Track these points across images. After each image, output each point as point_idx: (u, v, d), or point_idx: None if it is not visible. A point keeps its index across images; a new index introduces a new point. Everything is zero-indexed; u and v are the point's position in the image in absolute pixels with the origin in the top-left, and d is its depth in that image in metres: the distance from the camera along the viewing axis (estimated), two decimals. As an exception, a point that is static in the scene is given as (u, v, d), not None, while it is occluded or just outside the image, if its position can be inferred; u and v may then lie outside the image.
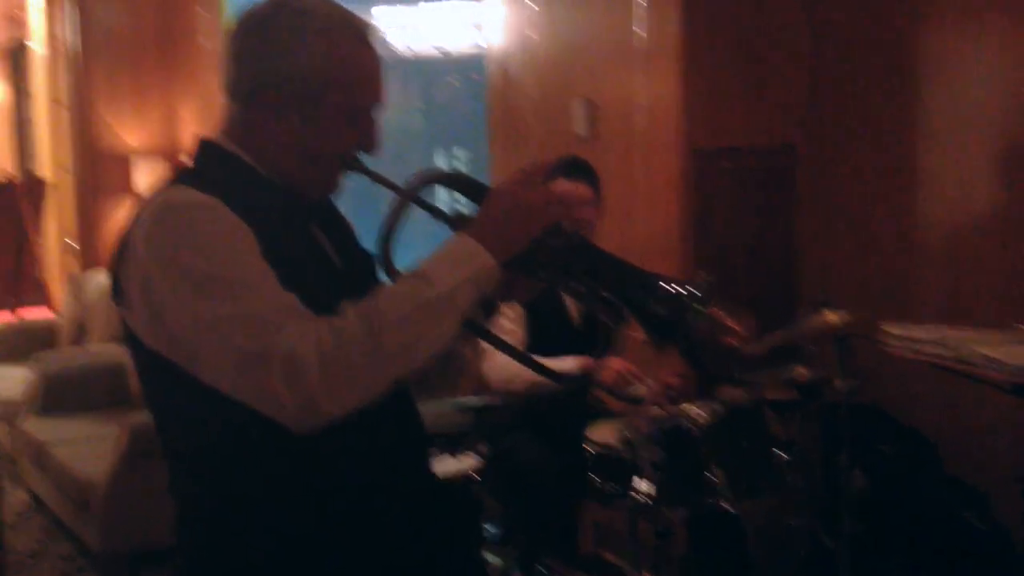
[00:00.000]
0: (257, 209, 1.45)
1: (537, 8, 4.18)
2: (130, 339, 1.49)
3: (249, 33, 1.52)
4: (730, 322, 1.43)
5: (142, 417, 3.89)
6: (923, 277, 3.34)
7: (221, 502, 1.50)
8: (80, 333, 5.70)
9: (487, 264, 1.43)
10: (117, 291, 1.48)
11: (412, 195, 1.58)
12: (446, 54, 5.83)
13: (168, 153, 6.92)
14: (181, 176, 1.53)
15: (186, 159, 1.58)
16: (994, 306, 3.07)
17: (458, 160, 6.43)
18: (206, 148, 1.58)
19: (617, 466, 2.60)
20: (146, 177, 6.74)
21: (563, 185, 3.21)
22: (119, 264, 1.47)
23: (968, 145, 3.20)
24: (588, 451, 2.69)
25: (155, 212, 1.42)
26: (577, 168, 3.24)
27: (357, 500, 1.50)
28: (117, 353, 5.10)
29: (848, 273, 3.58)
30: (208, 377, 1.37)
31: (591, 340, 3.25)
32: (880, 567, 2.91)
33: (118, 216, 6.92)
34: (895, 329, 2.25)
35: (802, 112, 3.68)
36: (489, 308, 1.59)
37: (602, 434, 2.74)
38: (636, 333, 3.01)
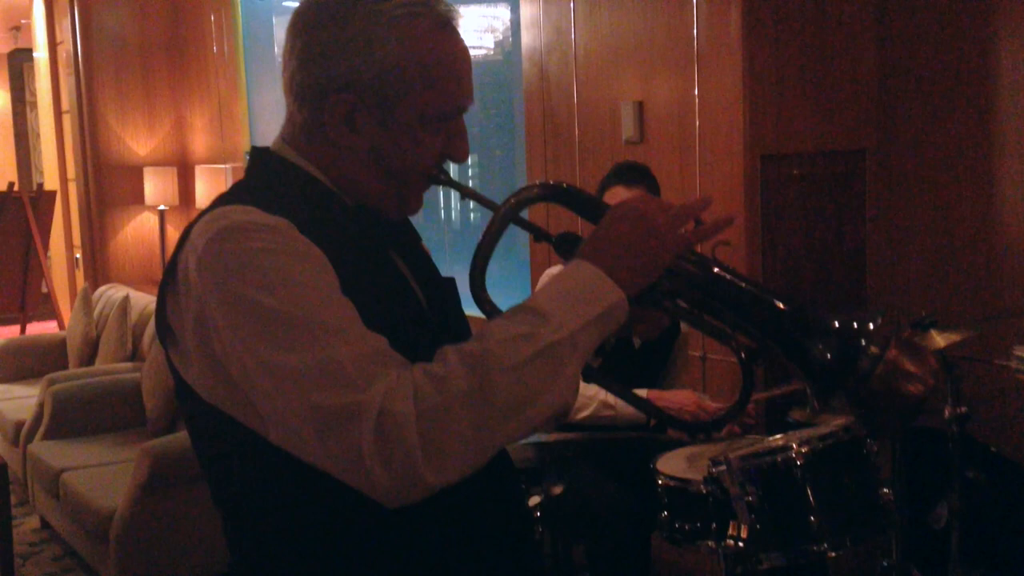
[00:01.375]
0: (331, 233, 1.20)
1: (575, 7, 3.93)
2: (179, 385, 1.23)
3: (317, 24, 1.26)
4: (911, 366, 1.16)
5: (162, 443, 3.68)
6: (1009, 291, 3.08)
7: (284, 562, 1.24)
8: (90, 351, 5.46)
9: (616, 299, 1.17)
10: (163, 328, 1.23)
11: (513, 214, 1.33)
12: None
13: (179, 163, 6.70)
14: (237, 192, 1.28)
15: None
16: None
17: (469, 167, 6.22)
18: (264, 159, 1.33)
19: (695, 503, 2.34)
20: (156, 188, 6.51)
21: (621, 192, 2.97)
22: (165, 297, 1.22)
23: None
24: (660, 485, 2.44)
25: (213, 235, 1.15)
26: (636, 173, 3.00)
27: (431, 525, 1.25)
28: (130, 373, 4.87)
29: (922, 284, 3.33)
30: (279, 438, 1.11)
31: (651, 365, 3.01)
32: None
33: (128, 228, 6.70)
34: (1026, 353, 1.99)
35: (872, 116, 3.43)
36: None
37: (675, 466, 2.49)
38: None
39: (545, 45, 4.12)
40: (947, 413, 2.30)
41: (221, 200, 1.27)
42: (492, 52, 4.87)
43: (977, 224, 3.18)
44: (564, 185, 1.35)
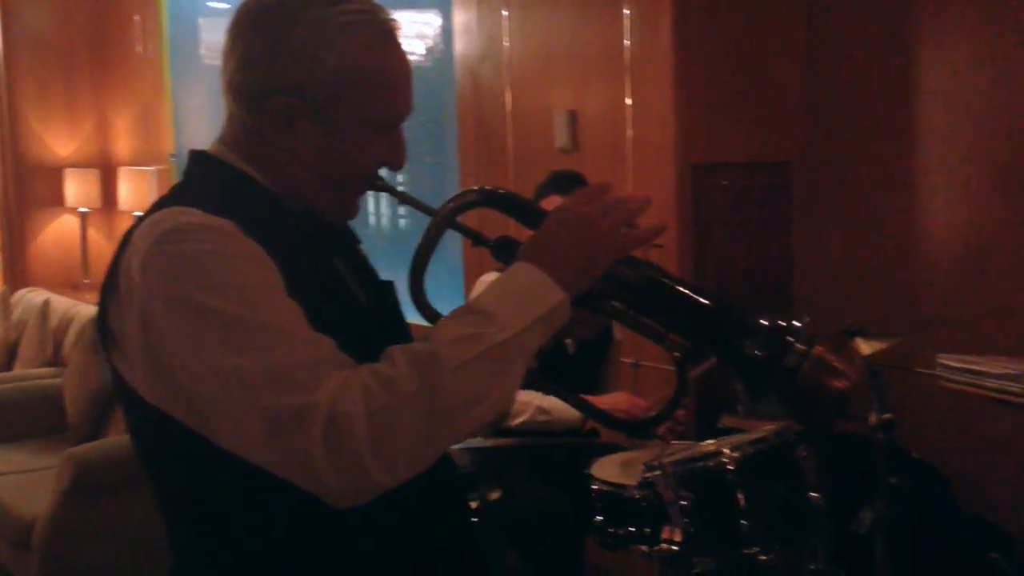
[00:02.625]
0: (273, 236, 1.19)
1: (509, 15, 3.95)
2: (120, 389, 1.21)
3: (261, 25, 1.25)
4: (837, 361, 1.21)
5: (85, 449, 3.60)
6: (928, 299, 3.18)
7: (216, 532, 1.24)
8: (8, 356, 5.31)
9: (559, 300, 1.18)
10: (104, 332, 1.21)
11: (451, 220, 1.34)
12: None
13: (102, 165, 6.56)
14: (179, 195, 1.26)
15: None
16: (1005, 329, 2.92)
17: (401, 174, 6.20)
18: (203, 162, 1.31)
19: (629, 508, 2.37)
20: (78, 190, 6.37)
21: (555, 203, 2.99)
22: (106, 300, 1.20)
23: (969, 162, 3.06)
24: (594, 490, 2.46)
25: (157, 237, 1.14)
26: (572, 183, 3.03)
27: (379, 533, 1.25)
28: (50, 379, 4.75)
29: (847, 295, 3.42)
30: (227, 442, 1.10)
31: (585, 372, 3.04)
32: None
33: (48, 231, 6.54)
34: (950, 360, 2.05)
35: (798, 129, 3.51)
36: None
37: (609, 471, 2.51)
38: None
39: (478, 53, 4.14)
40: (873, 419, 2.36)
41: (162, 203, 1.25)
42: (423, 59, 4.87)
43: (900, 235, 3.27)
44: (501, 191, 1.37)
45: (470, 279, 4.09)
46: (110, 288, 1.20)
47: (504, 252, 1.34)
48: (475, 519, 2.33)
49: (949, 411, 2.98)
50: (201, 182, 1.29)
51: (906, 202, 3.26)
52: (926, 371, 2.11)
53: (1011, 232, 2.95)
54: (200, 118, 5.95)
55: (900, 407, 2.94)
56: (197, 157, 1.33)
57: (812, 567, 2.63)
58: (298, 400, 1.04)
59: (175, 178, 5.91)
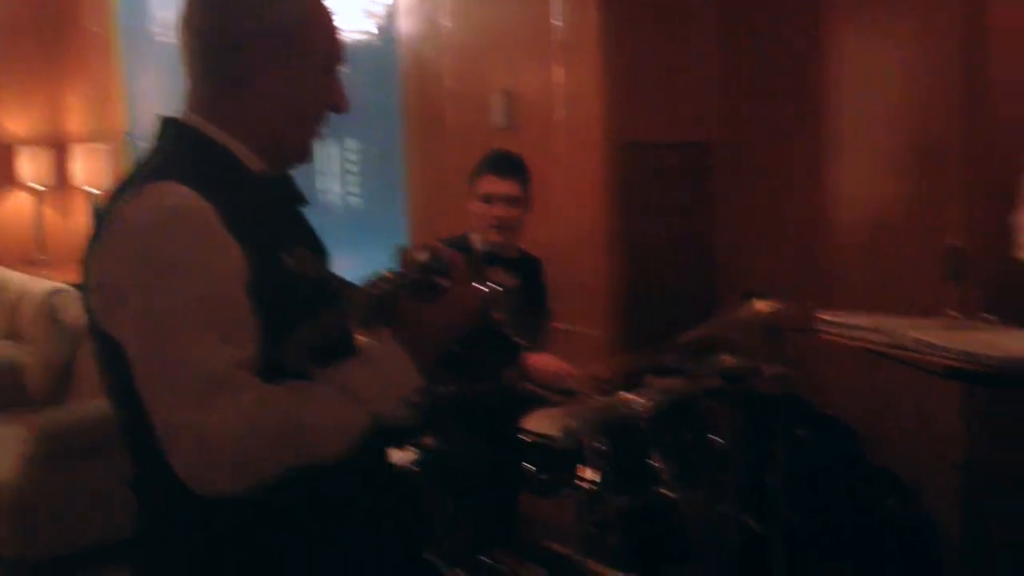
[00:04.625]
0: (244, 203, 1.40)
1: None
2: (92, 324, 1.43)
3: None
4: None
5: (50, 416, 3.77)
6: (837, 269, 3.46)
7: (184, 496, 1.42)
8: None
9: (417, 383, 1.43)
10: (91, 290, 1.42)
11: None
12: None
13: (54, 142, 6.65)
14: (163, 168, 1.43)
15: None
16: (904, 295, 3.20)
17: (350, 152, 6.35)
18: (177, 130, 1.51)
19: (557, 456, 2.61)
20: (30, 167, 6.46)
21: (491, 183, 3.20)
22: (93, 247, 1.41)
23: (875, 141, 3.32)
24: (525, 441, 2.70)
25: (147, 213, 1.35)
26: (506, 163, 3.24)
27: (322, 487, 1.45)
28: (11, 351, 4.88)
29: (763, 266, 3.68)
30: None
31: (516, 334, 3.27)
32: (808, 554, 3.00)
33: (1, 209, 6.62)
34: (828, 316, 2.32)
35: (717, 110, 3.76)
36: None
37: (539, 424, 2.76)
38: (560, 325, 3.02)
39: (419, 32, 4.33)
40: (769, 373, 2.62)
41: (150, 174, 1.41)
42: (373, 36, 5.05)
43: (806, 203, 3.53)
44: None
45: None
46: (99, 237, 1.40)
47: (378, 313, 1.48)
48: (415, 468, 2.58)
49: (855, 369, 3.26)
50: (178, 153, 1.46)
51: (818, 178, 3.52)
52: (800, 330, 2.37)
53: (911, 205, 3.22)
54: (153, 95, 6.06)
55: (812, 367, 3.23)
56: (170, 125, 1.51)
57: (721, 509, 2.91)
58: (185, 416, 1.28)
59: (129, 155, 6.05)
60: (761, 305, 2.60)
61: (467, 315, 1.49)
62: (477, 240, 3.25)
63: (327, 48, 1.52)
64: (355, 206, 6.16)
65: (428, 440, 2.69)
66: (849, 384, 3.32)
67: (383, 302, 1.47)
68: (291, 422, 1.32)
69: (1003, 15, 2.96)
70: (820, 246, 3.51)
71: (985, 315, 2.34)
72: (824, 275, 3.48)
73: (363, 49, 5.19)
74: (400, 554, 1.62)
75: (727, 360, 2.90)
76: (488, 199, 3.19)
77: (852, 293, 3.34)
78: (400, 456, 2.61)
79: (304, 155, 1.56)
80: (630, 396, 2.59)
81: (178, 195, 1.36)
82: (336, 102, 1.54)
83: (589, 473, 2.46)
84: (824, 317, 2.32)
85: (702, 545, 3.08)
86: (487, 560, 2.47)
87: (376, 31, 4.93)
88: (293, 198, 1.58)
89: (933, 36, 3.09)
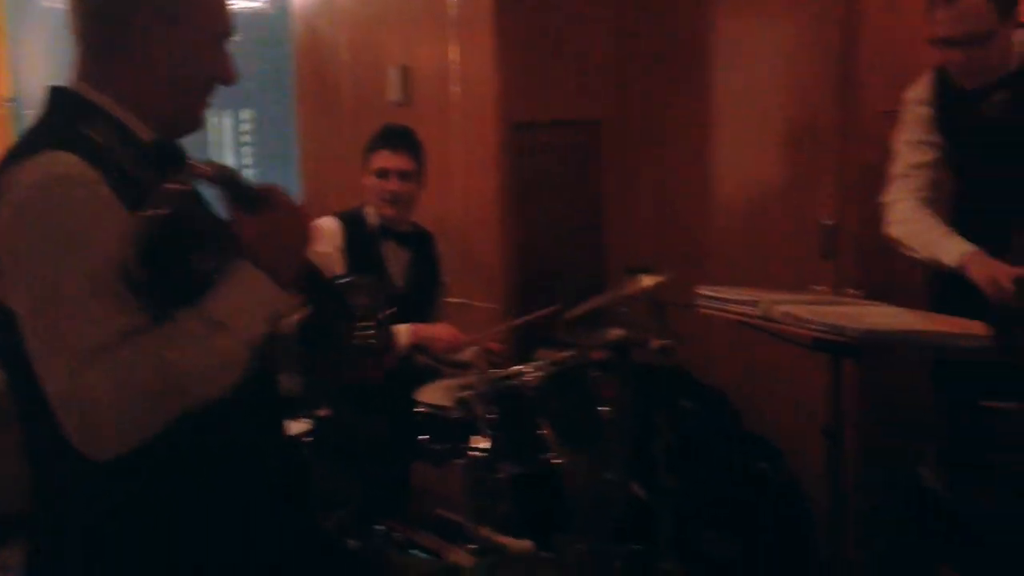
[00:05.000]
0: (131, 171, 1.43)
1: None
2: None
3: None
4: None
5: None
6: (719, 246, 3.60)
7: (78, 465, 1.41)
8: None
9: (281, 298, 1.45)
10: None
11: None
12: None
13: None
14: (49, 134, 1.45)
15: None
16: (782, 271, 3.35)
17: (245, 122, 6.28)
18: (65, 99, 1.52)
19: (451, 426, 2.69)
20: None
21: (385, 157, 3.24)
22: None
23: (756, 123, 3.46)
24: (419, 412, 2.76)
25: (36, 181, 1.36)
26: (399, 138, 3.28)
27: (216, 458, 1.51)
28: None
29: (651, 243, 3.80)
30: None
31: (415, 304, 3.33)
32: (688, 518, 3.14)
33: None
34: (706, 291, 2.44)
35: (609, 89, 3.86)
36: None
37: (432, 395, 2.82)
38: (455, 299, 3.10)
39: (315, 4, 4.32)
40: (654, 345, 2.74)
41: (38, 143, 1.42)
42: (265, 6, 5.00)
43: (693, 182, 3.66)
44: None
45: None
46: None
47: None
48: (307, 439, 2.62)
49: (733, 342, 3.40)
50: (71, 124, 1.46)
51: (703, 157, 3.64)
52: (681, 305, 2.49)
53: (788, 184, 3.37)
54: (38, 61, 5.90)
55: (692, 340, 3.37)
56: (62, 95, 1.52)
57: (609, 476, 3.03)
58: (69, 385, 1.31)
59: (14, 122, 5.87)
60: (646, 280, 2.71)
61: (297, 219, 1.49)
62: (371, 214, 3.29)
63: (214, 19, 1.55)
64: (249, 178, 6.11)
65: (321, 411, 2.73)
66: (728, 356, 3.47)
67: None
68: (165, 368, 1.32)
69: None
70: (704, 223, 3.64)
71: (851, 290, 2.49)
72: (708, 251, 3.62)
73: (257, 18, 5.14)
74: (295, 523, 1.66)
75: (614, 333, 3.01)
76: (382, 174, 3.23)
77: (734, 269, 3.48)
78: (294, 427, 2.64)
79: (194, 125, 1.59)
80: (520, 367, 2.67)
81: (66, 163, 1.38)
82: (223, 74, 1.58)
83: (480, 442, 2.53)
84: (701, 292, 2.43)
85: (589, 511, 3.20)
86: (379, 529, 2.53)
87: (267, 1, 4.89)
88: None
89: (813, 19, 3.22)
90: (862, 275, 3.09)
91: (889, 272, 2.99)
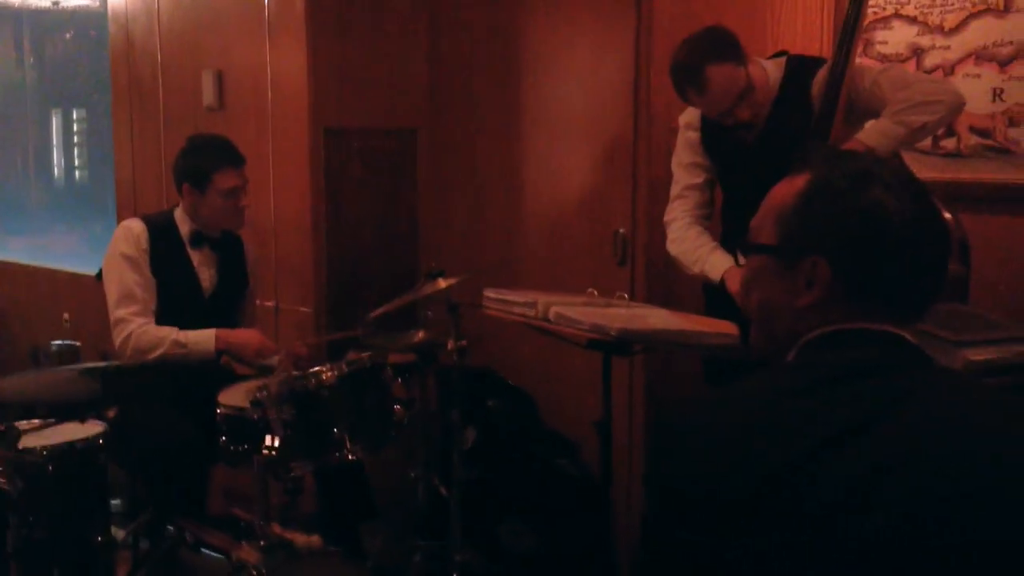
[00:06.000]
0: None
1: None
2: None
3: None
4: None
5: None
6: (527, 252, 3.74)
7: None
8: None
9: None
10: None
11: None
12: (58, 5, 5.50)
13: None
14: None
15: None
16: (582, 277, 3.51)
17: (77, 122, 6.13)
18: None
19: (247, 427, 2.72)
20: None
21: (231, 176, 3.20)
22: None
23: (563, 134, 3.61)
24: (218, 414, 2.79)
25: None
26: (236, 153, 3.24)
27: None
28: None
29: (465, 249, 3.92)
30: None
31: (223, 308, 3.35)
32: (489, 511, 3.27)
33: None
34: (492, 293, 2.55)
35: (424, 98, 3.96)
36: None
37: (233, 397, 2.85)
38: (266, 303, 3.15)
39: (130, 8, 4.27)
40: (450, 346, 2.85)
41: None
42: (95, 3, 4.89)
43: (503, 190, 3.79)
44: None
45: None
46: None
47: None
48: (100, 442, 2.61)
49: (535, 344, 3.54)
50: None
51: (513, 167, 3.78)
52: (471, 305, 2.60)
53: (590, 195, 3.52)
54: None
55: (498, 341, 3.50)
56: None
57: (412, 474, 3.12)
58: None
59: None
60: (443, 282, 2.82)
61: None
62: (182, 220, 3.28)
63: None
64: (79, 180, 5.94)
65: (113, 413, 2.72)
66: (532, 357, 3.61)
67: None
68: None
69: (667, 16, 3.27)
70: (515, 229, 3.78)
71: (620, 294, 2.65)
72: (518, 256, 3.76)
73: (88, 16, 5.01)
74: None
75: (418, 335, 3.11)
76: (231, 194, 3.20)
77: (540, 273, 3.63)
78: (86, 429, 2.63)
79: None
80: (318, 368, 2.73)
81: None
82: None
83: (272, 441, 2.58)
84: (487, 294, 2.55)
85: (392, 505, 3.29)
86: (171, 530, 2.55)
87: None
88: None
89: (612, 34, 3.38)
90: (651, 281, 3.28)
91: (673, 279, 3.18)
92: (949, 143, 3.05)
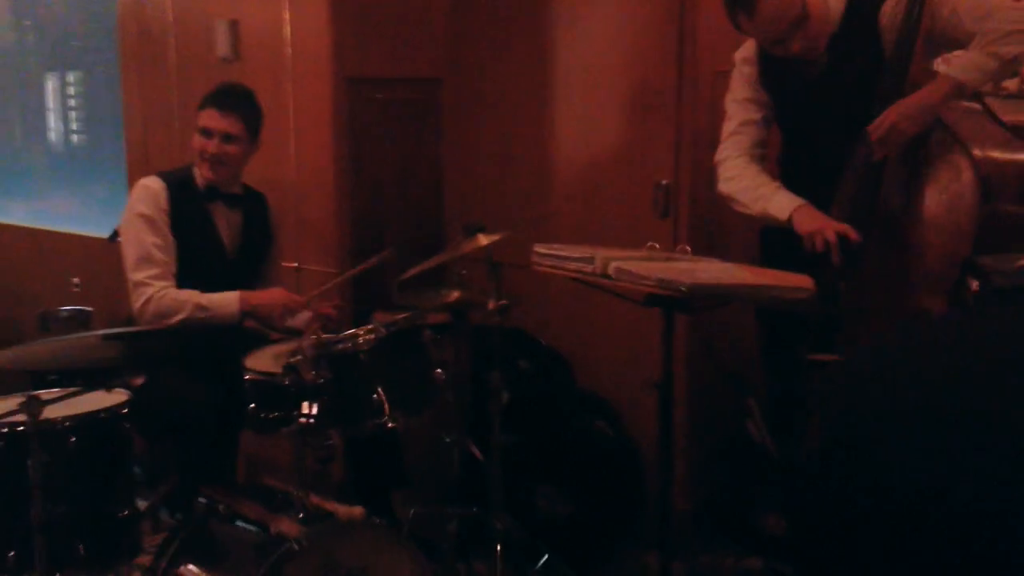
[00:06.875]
0: None
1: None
2: None
3: None
4: None
5: None
6: (559, 206, 3.58)
7: None
8: None
9: None
10: None
11: None
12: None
13: None
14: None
15: None
16: (620, 230, 3.36)
17: (72, 85, 5.96)
18: None
19: (278, 393, 2.57)
20: None
21: (211, 117, 3.07)
22: None
23: (594, 83, 3.44)
24: (247, 380, 2.64)
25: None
26: (230, 98, 3.11)
27: None
28: None
29: (490, 202, 3.76)
30: None
31: (244, 270, 3.19)
32: (523, 476, 3.13)
33: None
34: (543, 248, 2.39)
35: (446, 46, 3.78)
36: None
37: (261, 362, 2.70)
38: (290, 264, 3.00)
39: (138, -42, 4.09)
40: (491, 305, 2.69)
41: None
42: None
43: (533, 142, 3.62)
44: None
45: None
46: None
47: None
48: (124, 411, 2.46)
49: (570, 302, 3.40)
50: None
51: (542, 119, 3.61)
52: (518, 265, 2.44)
53: (627, 146, 3.36)
54: None
55: (530, 301, 3.34)
56: None
57: (447, 439, 2.98)
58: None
59: None
60: (482, 239, 2.65)
61: None
62: (198, 175, 3.13)
63: None
64: (77, 143, 5.77)
65: (135, 380, 2.58)
66: (566, 316, 3.46)
67: None
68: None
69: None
70: (544, 184, 3.61)
71: (683, 246, 2.49)
72: (547, 211, 3.60)
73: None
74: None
75: (452, 294, 2.95)
76: (205, 133, 3.07)
77: (573, 228, 3.47)
78: (110, 399, 2.49)
79: None
80: (353, 330, 2.58)
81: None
82: None
83: (308, 407, 2.43)
84: (538, 249, 2.39)
85: (425, 471, 3.15)
86: (203, 501, 2.41)
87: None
88: None
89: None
90: (696, 233, 3.12)
91: (721, 229, 3.03)
92: (1011, 83, 2.88)
